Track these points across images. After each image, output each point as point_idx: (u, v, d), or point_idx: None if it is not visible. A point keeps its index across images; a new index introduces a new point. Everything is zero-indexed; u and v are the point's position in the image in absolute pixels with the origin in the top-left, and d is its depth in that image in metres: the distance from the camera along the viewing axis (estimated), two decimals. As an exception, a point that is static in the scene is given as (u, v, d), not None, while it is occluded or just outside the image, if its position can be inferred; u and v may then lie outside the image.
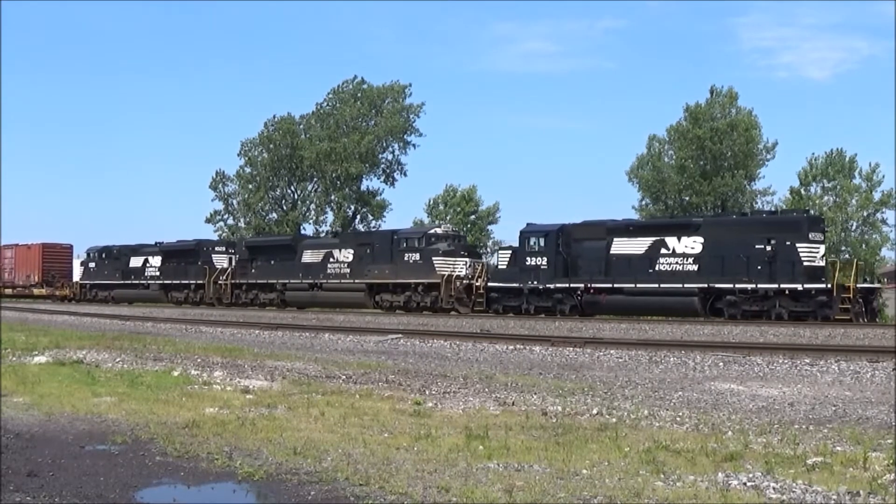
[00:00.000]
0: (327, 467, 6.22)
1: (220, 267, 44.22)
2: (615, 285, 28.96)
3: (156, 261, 48.09)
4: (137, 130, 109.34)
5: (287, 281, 39.68)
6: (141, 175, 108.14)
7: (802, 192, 53.05)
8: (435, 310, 33.53)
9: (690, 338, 19.98)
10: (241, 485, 5.90)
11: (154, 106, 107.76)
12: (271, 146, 63.17)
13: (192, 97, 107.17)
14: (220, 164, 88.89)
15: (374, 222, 62.97)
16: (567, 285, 30.16)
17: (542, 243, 31.13)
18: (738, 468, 6.19)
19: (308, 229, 62.51)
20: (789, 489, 5.58)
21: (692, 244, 28.20)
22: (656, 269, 28.53)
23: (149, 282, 47.85)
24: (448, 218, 59.19)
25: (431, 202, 61.92)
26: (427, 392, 10.56)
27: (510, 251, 32.87)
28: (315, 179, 64.04)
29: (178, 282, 46.03)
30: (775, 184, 55.89)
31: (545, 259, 30.88)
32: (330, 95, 63.81)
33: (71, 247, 59.27)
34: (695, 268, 27.77)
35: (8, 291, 58.29)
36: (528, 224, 32.46)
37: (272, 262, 41.21)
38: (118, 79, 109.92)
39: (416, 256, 34.86)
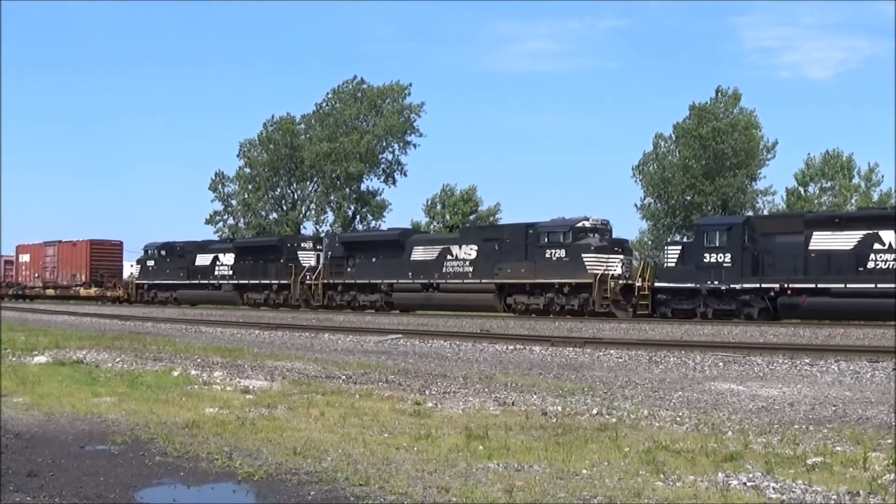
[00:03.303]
0: (327, 467, 6.22)
1: (306, 265, 39.80)
2: (819, 285, 25.49)
3: (227, 258, 43.59)
4: (136, 131, 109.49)
5: (394, 281, 35.46)
6: (140, 176, 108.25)
7: (801, 191, 53.12)
8: (584, 314, 29.68)
9: (690, 338, 19.99)
10: (241, 485, 5.90)
11: (152, 106, 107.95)
12: (271, 146, 63.19)
13: (191, 98, 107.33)
14: (219, 165, 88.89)
15: (373, 222, 63.04)
16: (757, 285, 26.71)
17: (724, 238, 27.59)
18: (738, 468, 6.19)
19: (308, 229, 62.62)
20: (789, 489, 5.58)
21: None
22: (869, 266, 25.10)
23: (220, 282, 43.50)
24: (447, 218, 59.25)
25: (429, 202, 62.05)
26: (427, 392, 10.56)
27: (680, 247, 29.66)
28: (315, 179, 64.06)
29: (256, 282, 41.69)
30: (776, 183, 56.05)
31: (728, 255, 27.33)
32: (329, 95, 63.90)
33: (121, 244, 55.65)
34: None
35: (49, 292, 55.02)
36: (703, 217, 30.12)
37: (374, 259, 36.89)
38: (116, 79, 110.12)
39: (561, 253, 30.72)
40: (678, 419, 8.49)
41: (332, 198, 62.87)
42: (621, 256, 30.95)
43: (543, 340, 18.63)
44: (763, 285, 26.65)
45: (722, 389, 11.11)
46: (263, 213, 64.46)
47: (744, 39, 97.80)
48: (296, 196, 65.63)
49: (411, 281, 34.86)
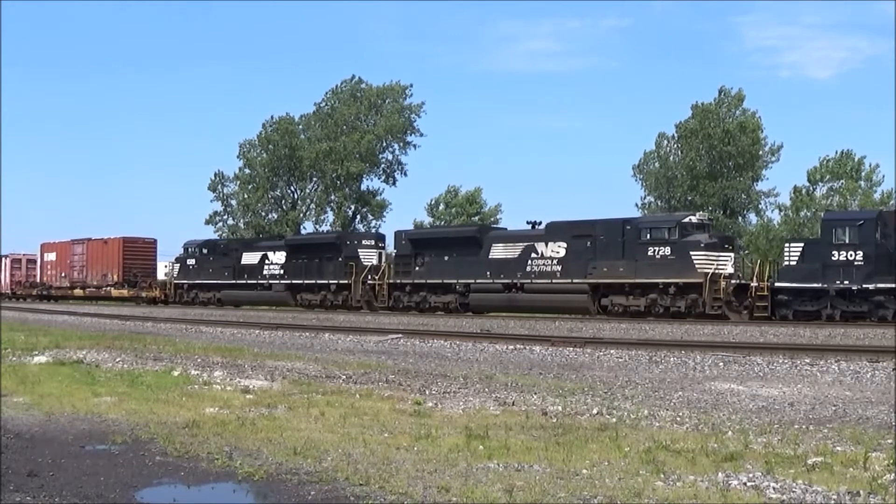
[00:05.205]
0: (327, 467, 6.22)
1: (368, 264, 37.40)
2: None
3: (278, 257, 41.04)
4: (136, 131, 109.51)
5: (471, 281, 32.93)
6: (139, 176, 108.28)
7: (810, 189, 53.14)
8: (691, 316, 27.71)
9: (690, 338, 19.98)
10: (241, 485, 5.90)
11: (152, 107, 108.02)
12: (270, 146, 63.19)
13: (190, 98, 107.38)
14: (219, 165, 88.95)
15: (374, 222, 63.09)
16: (894, 286, 24.71)
17: (854, 234, 25.69)
18: (738, 468, 6.18)
19: (308, 229, 62.61)
20: (789, 489, 5.58)
21: None
22: None
23: (270, 282, 40.94)
24: (451, 219, 59.30)
25: (433, 202, 62.15)
26: (427, 392, 10.56)
27: (802, 244, 27.79)
28: (315, 179, 64.08)
29: (311, 282, 39.15)
30: (778, 183, 56.19)
31: (860, 253, 25.39)
32: (328, 95, 63.92)
33: (155, 241, 53.48)
34: None
35: (78, 293, 52.73)
36: (826, 211, 27.52)
37: (446, 257, 34.31)
38: (115, 79, 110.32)
39: (666, 251, 28.55)
40: (678, 419, 8.49)
41: (332, 197, 62.88)
42: (732, 254, 29.10)
43: (543, 340, 18.63)
44: None
45: (722, 389, 11.11)
46: (263, 214, 64.48)
47: (745, 39, 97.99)
48: (296, 196, 65.65)
49: (491, 281, 32.39)
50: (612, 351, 16.38)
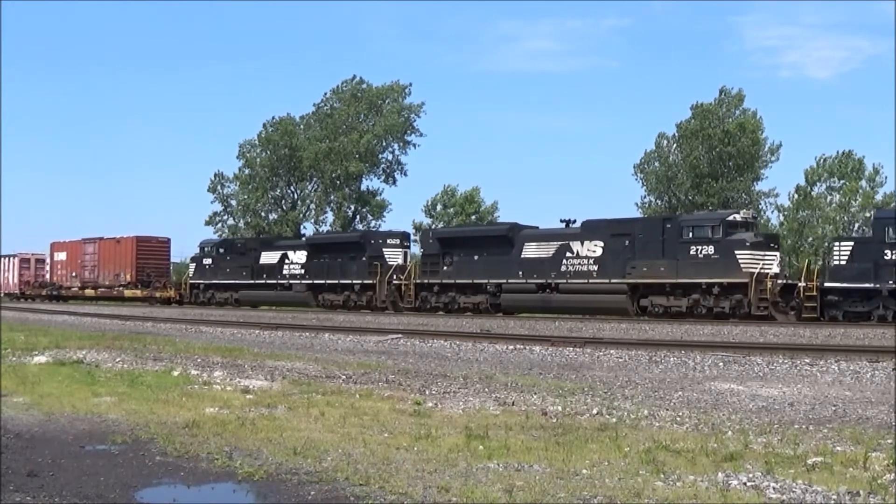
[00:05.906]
0: (327, 467, 6.22)
1: (393, 263, 36.61)
2: None
3: (299, 256, 40.06)
4: (136, 131, 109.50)
5: (502, 281, 31.97)
6: (139, 176, 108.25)
7: (809, 190, 53.12)
8: (735, 316, 26.82)
9: (690, 338, 19.98)
10: (241, 485, 5.90)
11: (152, 107, 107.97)
12: (270, 146, 63.16)
13: (190, 98, 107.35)
14: (219, 165, 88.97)
15: (373, 222, 63.04)
16: None
17: None
18: (738, 468, 6.19)
19: (308, 229, 62.59)
20: (789, 489, 5.58)
21: None
22: None
23: (290, 282, 39.94)
24: (450, 220, 59.27)
25: (430, 202, 62.10)
26: (427, 392, 10.56)
27: (852, 243, 26.80)
28: (315, 179, 64.05)
29: (334, 282, 38.22)
30: (778, 183, 56.17)
31: None
32: (329, 95, 63.92)
33: (169, 241, 52.23)
34: None
35: (89, 293, 51.60)
36: (877, 210, 26.66)
37: (475, 257, 33.42)
38: (115, 79, 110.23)
39: (709, 250, 27.61)
40: (678, 419, 8.49)
41: (332, 197, 62.86)
42: (778, 253, 28.33)
43: (543, 340, 18.63)
44: None
45: (722, 389, 11.11)
46: (263, 214, 64.45)
47: (745, 39, 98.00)
48: (295, 196, 65.63)
49: (523, 281, 31.44)
50: (612, 351, 16.38)
